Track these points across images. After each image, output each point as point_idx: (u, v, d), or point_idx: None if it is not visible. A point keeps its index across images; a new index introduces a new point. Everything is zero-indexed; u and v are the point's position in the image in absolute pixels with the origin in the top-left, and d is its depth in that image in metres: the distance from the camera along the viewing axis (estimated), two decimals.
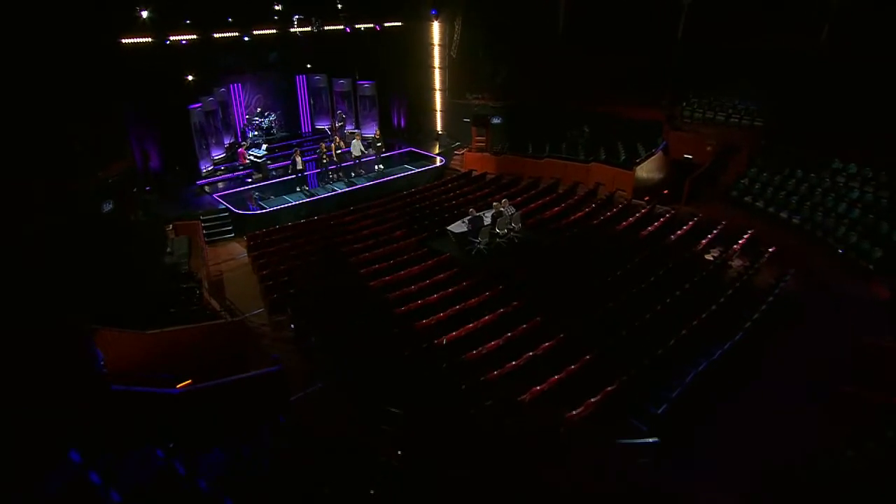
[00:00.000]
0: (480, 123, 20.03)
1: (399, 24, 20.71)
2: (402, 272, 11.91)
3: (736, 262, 12.30)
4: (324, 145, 17.75)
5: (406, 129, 22.50)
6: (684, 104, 18.50)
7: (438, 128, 22.35)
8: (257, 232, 14.68)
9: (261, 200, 15.96)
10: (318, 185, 17.02)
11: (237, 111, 20.62)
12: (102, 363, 6.80)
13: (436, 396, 8.27)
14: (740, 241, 12.65)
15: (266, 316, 11.34)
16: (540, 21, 20.96)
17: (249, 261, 13.48)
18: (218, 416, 7.18)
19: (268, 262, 12.94)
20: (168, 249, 12.68)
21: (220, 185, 17.51)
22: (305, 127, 22.48)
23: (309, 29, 18.48)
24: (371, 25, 20.01)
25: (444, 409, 7.99)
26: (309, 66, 21.48)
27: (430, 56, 21.70)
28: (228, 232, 15.34)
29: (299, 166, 17.12)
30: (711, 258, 12.32)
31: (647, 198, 15.76)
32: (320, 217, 15.55)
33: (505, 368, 8.52)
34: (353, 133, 19.29)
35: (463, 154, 20.17)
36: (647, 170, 16.25)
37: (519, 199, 15.92)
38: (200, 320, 9.93)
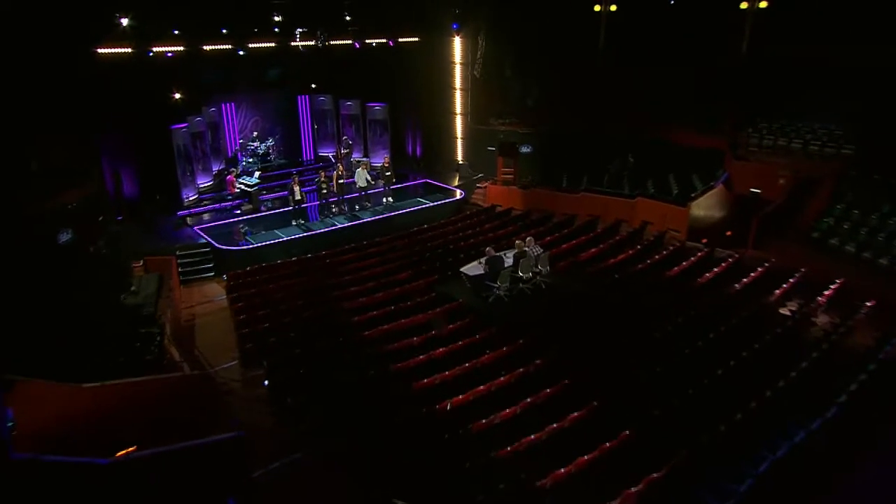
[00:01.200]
0: (507, 152, 20.14)
1: (415, 39, 20.99)
2: (404, 320, 11.61)
3: (821, 319, 11.49)
4: (323, 174, 17.67)
5: (422, 159, 22.58)
6: (750, 129, 17.95)
7: (459, 157, 22.58)
8: (240, 271, 14.51)
9: (249, 235, 16.02)
10: (319, 219, 17.20)
11: (229, 134, 20.87)
12: (12, 424, 6.22)
13: (435, 476, 7.69)
14: (826, 293, 11.86)
15: (239, 370, 10.96)
16: (577, 34, 20.93)
17: (227, 304, 13.30)
18: (153, 496, 6.46)
19: (247, 305, 12.74)
20: (132, 288, 12.39)
21: (206, 216, 17.76)
22: (307, 154, 22.64)
23: (313, 43, 18.76)
24: (384, 41, 20.30)
25: (442, 494, 7.13)
26: (314, 86, 21.85)
27: (451, 76, 21.88)
28: (208, 270, 15.31)
29: (297, 196, 17.07)
30: (788, 313, 11.55)
31: (704, 240, 15.23)
32: (315, 255, 15.43)
33: (522, 443, 7.89)
34: (360, 162, 19.17)
35: (486, 187, 20.30)
36: (704, 206, 15.91)
37: (549, 238, 15.79)
38: (155, 372, 9.37)
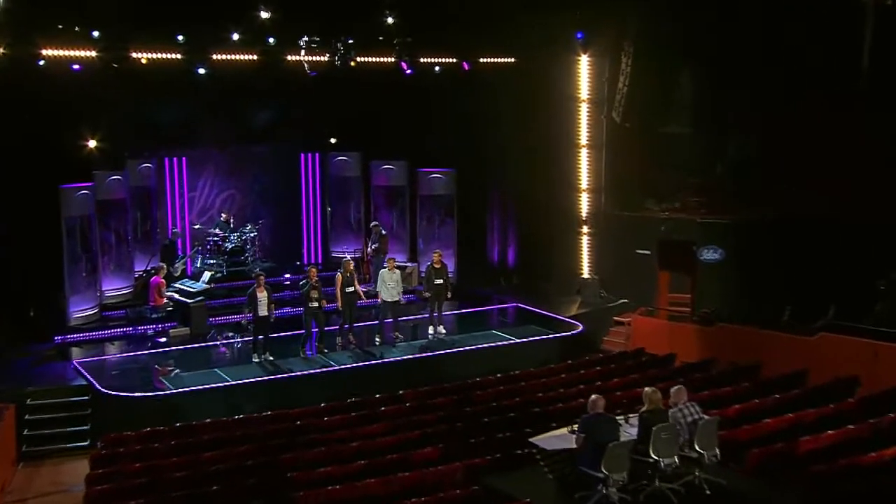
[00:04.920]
0: (675, 260, 20.20)
1: (509, 60, 21.37)
2: None
3: None
4: (314, 272, 17.50)
5: (515, 269, 22.52)
6: None
7: (584, 268, 22.50)
8: (130, 434, 14.26)
9: (171, 375, 16.61)
10: (309, 354, 17.97)
11: (172, 208, 21.56)
12: None
13: None
14: None
15: None
16: (815, 43, 20.16)
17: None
18: None
19: (116, 490, 12.29)
20: None
21: (112, 346, 18.27)
22: (312, 254, 23.23)
23: (328, 60, 19.22)
24: (452, 60, 20.67)
25: None
26: (333, 140, 22.60)
27: (572, 123, 21.92)
28: (79, 436, 15.30)
29: (263, 311, 16.93)
30: None
31: None
32: (277, 412, 15.40)
33: None
34: (395, 263, 18.78)
35: (630, 321, 20.35)
36: None
37: (738, 406, 15.41)
38: None
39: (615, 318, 20.53)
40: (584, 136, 21.77)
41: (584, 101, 21.55)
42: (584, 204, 21.99)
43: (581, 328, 19.61)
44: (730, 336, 18.57)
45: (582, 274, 22.10)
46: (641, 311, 20.21)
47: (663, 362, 18.05)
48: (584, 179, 21.94)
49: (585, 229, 22.06)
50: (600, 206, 21.97)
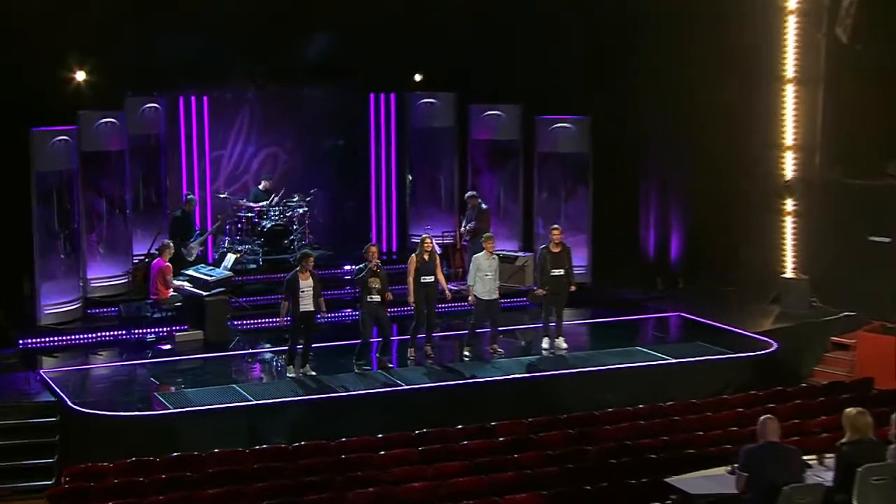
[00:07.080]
0: None
1: None
2: None
3: None
4: (374, 252, 17.48)
5: (680, 266, 22.73)
6: None
7: (786, 263, 22.66)
8: (106, 465, 14.43)
9: (173, 391, 17.16)
10: (366, 368, 18.39)
11: (189, 167, 22.12)
12: None
13: None
14: None
15: None
16: None
17: None
18: None
19: None
20: None
21: (98, 356, 18.67)
22: (383, 237, 24.01)
23: None
24: None
25: None
26: (417, 77, 23.01)
27: (771, 45, 21.73)
28: (43, 472, 15.48)
29: (307, 305, 17.08)
30: None
31: None
32: (315, 444, 15.45)
33: None
34: (493, 244, 18.73)
35: (855, 341, 20.61)
36: None
37: None
38: None
39: (833, 338, 20.39)
40: (790, 65, 21.68)
41: (790, 11, 21.18)
42: (789, 167, 21.99)
43: (775, 347, 19.46)
44: None
45: (783, 272, 22.16)
46: (873, 327, 20.03)
47: None
48: (788, 131, 21.90)
49: (790, 206, 22.07)
50: (814, 172, 21.93)
